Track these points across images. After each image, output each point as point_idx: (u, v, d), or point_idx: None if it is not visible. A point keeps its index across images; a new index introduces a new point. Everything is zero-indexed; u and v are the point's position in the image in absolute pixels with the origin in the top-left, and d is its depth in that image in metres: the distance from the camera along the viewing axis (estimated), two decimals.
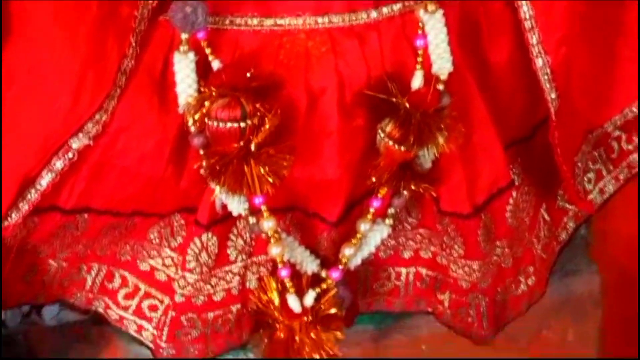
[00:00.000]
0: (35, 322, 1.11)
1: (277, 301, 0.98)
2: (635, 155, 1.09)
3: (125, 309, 1.01)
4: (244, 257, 0.98)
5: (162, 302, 1.00)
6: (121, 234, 0.97)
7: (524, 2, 0.94)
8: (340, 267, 0.98)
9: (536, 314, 1.12)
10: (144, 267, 1.00)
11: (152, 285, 1.00)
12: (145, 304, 1.00)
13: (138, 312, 1.01)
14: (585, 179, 1.09)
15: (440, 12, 0.92)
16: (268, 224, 0.94)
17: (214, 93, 0.87)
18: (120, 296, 1.01)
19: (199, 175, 0.91)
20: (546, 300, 1.12)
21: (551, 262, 1.10)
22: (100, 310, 1.02)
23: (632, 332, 1.22)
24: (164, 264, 0.99)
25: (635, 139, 1.09)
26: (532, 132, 1.06)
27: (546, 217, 1.09)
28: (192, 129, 0.89)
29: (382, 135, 0.92)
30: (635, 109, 1.07)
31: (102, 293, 1.01)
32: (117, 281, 1.01)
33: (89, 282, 1.01)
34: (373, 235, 0.99)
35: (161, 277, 0.99)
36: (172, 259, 0.98)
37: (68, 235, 0.95)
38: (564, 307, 1.19)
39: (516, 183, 1.02)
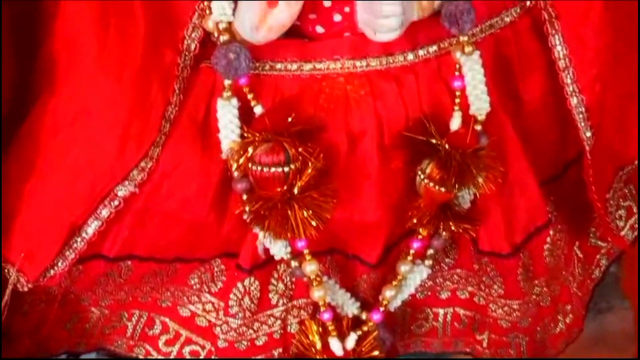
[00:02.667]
0: None
1: (319, 344, 0.98)
2: None
3: (167, 355, 1.01)
4: (285, 300, 0.98)
5: (203, 347, 1.00)
6: (162, 280, 0.97)
7: (557, 41, 0.95)
8: (381, 309, 0.99)
9: (571, 352, 1.12)
10: (184, 312, 1.00)
11: (194, 331, 1.00)
12: (187, 349, 1.01)
13: (179, 358, 1.01)
14: (617, 215, 1.09)
15: (477, 53, 0.93)
16: (310, 268, 0.94)
17: (257, 138, 0.88)
18: (161, 342, 1.01)
19: (240, 220, 0.91)
20: (581, 338, 1.12)
21: (587, 299, 1.10)
22: (141, 357, 1.02)
23: None
24: (204, 310, 0.99)
25: None
26: (563, 170, 1.06)
27: (580, 254, 1.09)
28: (236, 174, 0.89)
29: (422, 176, 0.93)
30: None
31: (143, 340, 1.01)
32: (157, 327, 1.01)
33: (130, 329, 1.01)
34: (413, 277, 0.99)
35: (202, 322, 0.99)
36: (213, 304, 0.98)
37: (111, 282, 0.95)
38: (599, 345, 1.19)
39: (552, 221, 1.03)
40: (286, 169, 0.88)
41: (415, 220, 0.94)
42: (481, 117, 0.94)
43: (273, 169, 0.88)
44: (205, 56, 0.89)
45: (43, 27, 0.87)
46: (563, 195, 1.06)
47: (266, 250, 0.94)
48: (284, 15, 0.86)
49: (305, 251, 0.93)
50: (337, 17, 0.90)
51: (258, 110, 0.89)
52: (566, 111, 0.97)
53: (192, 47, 0.88)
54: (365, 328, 0.99)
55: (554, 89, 0.98)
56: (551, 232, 1.02)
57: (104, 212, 0.88)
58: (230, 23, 0.87)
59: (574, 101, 0.96)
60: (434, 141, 0.92)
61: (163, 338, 1.01)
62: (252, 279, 0.96)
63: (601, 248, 1.11)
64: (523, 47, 0.98)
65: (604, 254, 1.11)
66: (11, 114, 0.89)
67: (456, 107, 0.94)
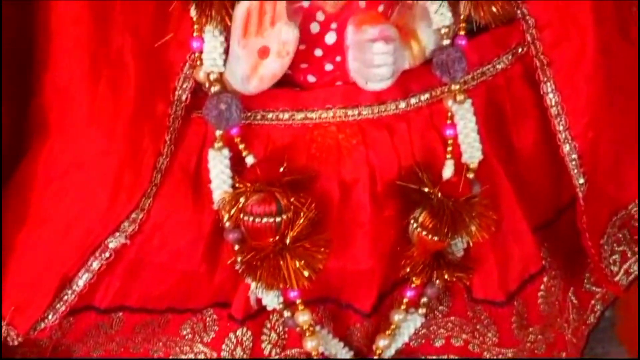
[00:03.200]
0: None
1: None
2: None
3: None
4: (277, 350, 0.98)
5: None
6: (154, 331, 0.96)
7: (549, 89, 0.95)
8: (375, 358, 0.98)
9: None
10: None
11: None
12: None
13: None
14: (611, 260, 1.09)
15: (469, 101, 0.93)
16: (303, 318, 0.93)
17: (248, 189, 0.87)
18: None
19: (232, 271, 0.91)
20: None
21: (581, 346, 1.10)
22: None
23: None
24: None
25: None
26: (557, 216, 1.06)
27: (574, 300, 1.09)
28: (227, 224, 0.89)
29: (414, 225, 0.92)
30: None
31: None
32: None
33: None
34: (407, 326, 0.99)
35: None
36: (205, 354, 0.97)
37: (102, 333, 0.94)
38: None
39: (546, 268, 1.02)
40: (278, 220, 0.87)
41: (408, 269, 0.94)
42: (473, 165, 0.94)
43: (265, 220, 0.87)
44: (196, 106, 0.89)
45: (35, 77, 0.87)
46: (557, 241, 1.05)
47: (258, 300, 0.93)
48: (275, 65, 0.86)
49: (298, 301, 0.93)
50: (329, 67, 0.91)
51: (250, 160, 0.89)
52: (560, 157, 0.97)
53: (184, 97, 0.88)
54: None
55: (547, 136, 0.98)
56: (545, 279, 1.01)
57: (95, 264, 0.87)
58: (221, 74, 0.87)
59: (566, 148, 0.96)
60: (426, 190, 0.92)
61: None
62: (245, 329, 0.95)
63: (596, 293, 1.10)
64: (515, 94, 0.98)
65: (599, 299, 1.11)
66: (4, 164, 0.89)
67: (448, 156, 0.93)
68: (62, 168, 0.86)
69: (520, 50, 0.97)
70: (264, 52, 0.86)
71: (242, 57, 0.85)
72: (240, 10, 0.84)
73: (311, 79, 0.91)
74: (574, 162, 0.97)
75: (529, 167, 1.00)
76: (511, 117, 0.98)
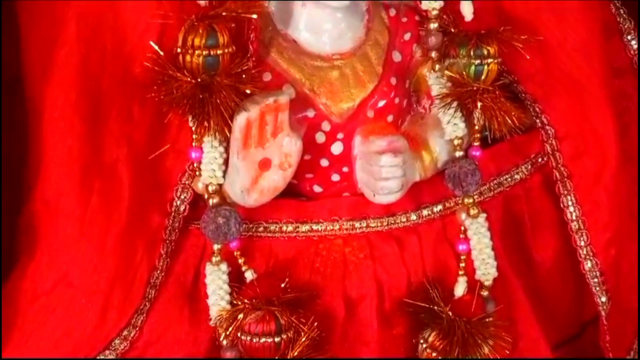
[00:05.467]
0: None
1: None
2: None
3: None
4: None
5: None
6: None
7: (570, 202, 0.91)
8: None
9: None
10: None
11: None
12: None
13: None
14: None
15: (483, 216, 0.89)
16: None
17: (247, 306, 0.83)
18: None
19: None
20: None
21: None
22: None
23: None
24: None
25: None
26: (581, 329, 1.01)
27: None
28: (224, 342, 0.84)
29: (424, 345, 0.88)
30: None
31: None
32: None
33: None
34: None
35: None
36: None
37: None
38: None
39: None
40: (277, 339, 0.83)
41: None
42: (488, 282, 0.90)
43: (263, 339, 0.83)
44: (195, 217, 0.85)
45: (26, 186, 0.84)
46: (583, 355, 1.00)
47: None
48: (277, 178, 0.83)
49: None
50: (335, 177, 0.87)
51: (249, 275, 0.85)
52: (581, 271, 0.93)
53: (182, 208, 0.84)
54: None
55: (567, 248, 0.94)
56: None
57: None
58: (220, 185, 0.83)
59: (588, 265, 0.92)
60: (437, 308, 0.88)
61: None
62: None
63: None
64: (534, 205, 0.95)
65: None
66: None
67: (461, 272, 0.90)
68: (49, 284, 0.81)
69: (540, 160, 0.93)
70: (265, 164, 0.82)
71: (241, 169, 0.82)
72: (240, 121, 0.80)
73: (317, 189, 0.88)
74: (596, 280, 0.92)
75: (549, 282, 0.96)
76: (530, 229, 0.95)
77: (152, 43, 0.80)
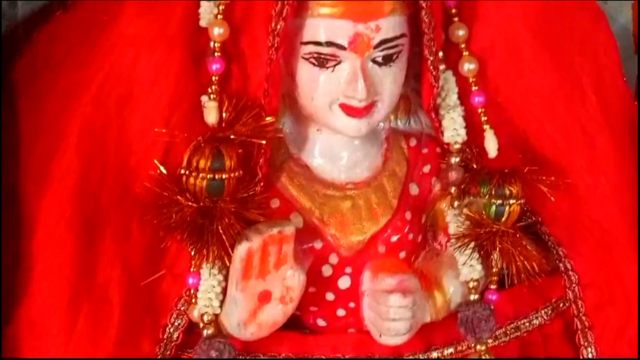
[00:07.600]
0: None
1: None
2: None
3: None
4: None
5: None
6: None
7: (590, 355, 0.87)
8: None
9: None
10: None
11: None
12: None
13: None
14: None
15: None
16: None
17: None
18: None
19: None
20: None
21: None
22: None
23: None
24: None
25: None
26: None
27: None
28: None
29: None
30: None
31: None
32: None
33: None
34: None
35: None
36: None
37: None
38: None
39: None
40: None
41: None
42: None
43: None
44: (189, 344, 0.80)
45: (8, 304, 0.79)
46: None
47: None
48: (277, 312, 0.79)
49: None
50: (341, 312, 0.84)
51: None
52: None
53: (175, 336, 0.80)
54: None
55: None
56: None
57: None
58: (216, 315, 0.79)
59: None
60: None
61: None
62: None
63: None
64: (553, 353, 0.89)
65: None
66: None
67: None
68: None
69: (562, 305, 0.88)
70: (265, 297, 0.78)
71: (240, 301, 0.78)
72: (241, 251, 0.76)
73: (321, 322, 0.84)
74: None
75: None
76: None
77: (156, 162, 0.77)
